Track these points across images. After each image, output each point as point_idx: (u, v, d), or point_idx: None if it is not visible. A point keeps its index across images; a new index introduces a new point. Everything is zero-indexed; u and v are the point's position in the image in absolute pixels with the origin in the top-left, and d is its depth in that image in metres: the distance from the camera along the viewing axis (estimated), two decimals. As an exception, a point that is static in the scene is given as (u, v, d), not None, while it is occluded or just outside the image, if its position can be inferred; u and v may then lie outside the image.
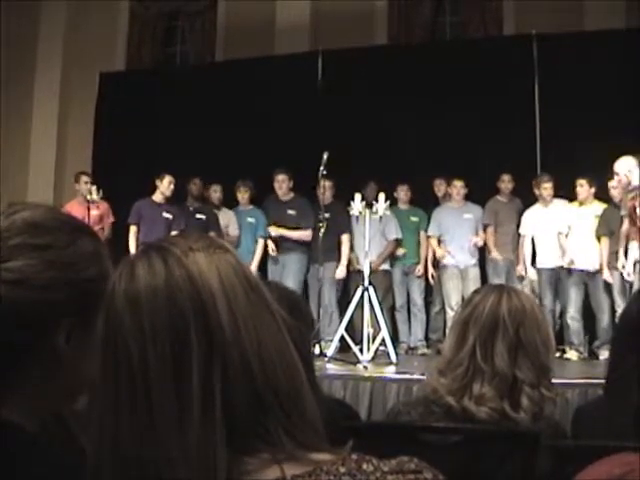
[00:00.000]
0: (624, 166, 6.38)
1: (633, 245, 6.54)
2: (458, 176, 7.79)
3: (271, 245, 7.93)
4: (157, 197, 7.95)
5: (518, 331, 1.96)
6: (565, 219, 7.33)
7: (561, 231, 7.31)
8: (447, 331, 6.77)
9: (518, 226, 7.72)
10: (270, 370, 0.82)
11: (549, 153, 8.08)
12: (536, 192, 7.63)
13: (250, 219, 8.09)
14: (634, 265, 6.55)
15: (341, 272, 7.75)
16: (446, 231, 7.85)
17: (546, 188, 7.41)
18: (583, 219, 7.23)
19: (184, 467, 0.77)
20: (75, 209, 7.73)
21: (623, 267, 6.67)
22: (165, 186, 7.91)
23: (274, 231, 7.90)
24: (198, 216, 8.01)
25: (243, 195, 8.20)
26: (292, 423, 0.82)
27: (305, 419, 0.84)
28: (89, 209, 7.95)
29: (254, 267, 7.67)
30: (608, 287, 7.07)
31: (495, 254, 7.68)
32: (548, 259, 7.43)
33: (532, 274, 7.51)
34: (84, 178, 8.33)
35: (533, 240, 7.59)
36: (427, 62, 8.83)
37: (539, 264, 7.55)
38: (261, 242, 8.00)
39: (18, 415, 0.94)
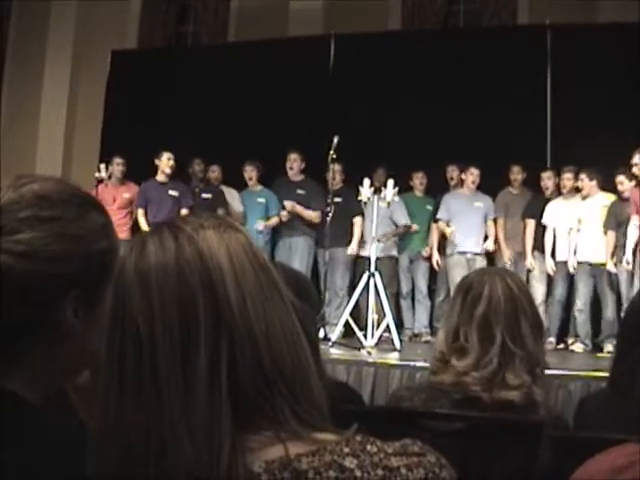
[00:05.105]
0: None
1: (632, 224, 6.62)
2: (474, 164, 7.74)
3: (284, 213, 7.81)
4: (160, 177, 7.87)
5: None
6: (575, 213, 7.31)
7: (571, 225, 7.29)
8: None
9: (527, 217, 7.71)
10: (277, 349, 0.82)
11: (559, 144, 8.04)
12: (545, 185, 7.64)
13: (260, 199, 7.91)
14: (635, 248, 6.58)
15: (352, 250, 7.67)
16: (454, 217, 7.80)
17: (562, 179, 7.40)
18: (590, 211, 7.22)
19: (189, 443, 0.77)
20: (106, 192, 7.86)
21: (627, 263, 6.71)
22: (165, 163, 7.81)
23: (289, 205, 7.76)
24: (204, 196, 7.95)
25: (250, 175, 7.98)
26: (297, 402, 0.82)
27: (310, 399, 0.84)
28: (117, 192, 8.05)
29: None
30: (614, 280, 7.06)
31: (506, 258, 7.68)
32: (561, 252, 7.41)
33: (551, 266, 7.44)
34: (117, 160, 8.12)
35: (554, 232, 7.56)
36: (440, 49, 8.78)
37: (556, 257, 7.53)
38: (275, 220, 7.86)
39: (22, 388, 0.94)
